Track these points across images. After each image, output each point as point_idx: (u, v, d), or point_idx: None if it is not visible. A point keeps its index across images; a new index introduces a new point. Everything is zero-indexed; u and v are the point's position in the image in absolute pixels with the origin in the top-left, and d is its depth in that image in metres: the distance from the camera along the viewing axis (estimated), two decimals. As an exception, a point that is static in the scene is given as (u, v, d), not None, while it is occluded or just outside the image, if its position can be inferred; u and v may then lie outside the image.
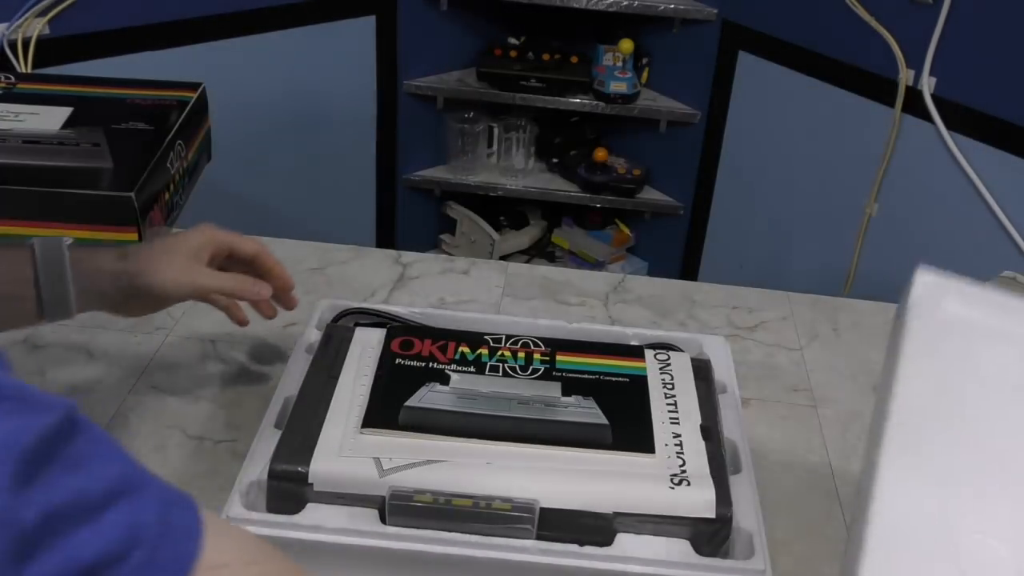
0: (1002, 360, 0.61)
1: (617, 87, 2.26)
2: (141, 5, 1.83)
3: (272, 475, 0.75)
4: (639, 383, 0.86)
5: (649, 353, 0.90)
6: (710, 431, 0.82)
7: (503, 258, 2.39)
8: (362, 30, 2.18)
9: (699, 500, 0.75)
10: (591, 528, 0.74)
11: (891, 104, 1.83)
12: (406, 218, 2.51)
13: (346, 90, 2.23)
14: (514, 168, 2.44)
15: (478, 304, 1.14)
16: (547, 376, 0.86)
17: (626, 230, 2.56)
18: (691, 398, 0.85)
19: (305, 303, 0.97)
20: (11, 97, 1.16)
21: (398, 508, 0.73)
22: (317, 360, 0.88)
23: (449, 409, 0.81)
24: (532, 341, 0.90)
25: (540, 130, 2.45)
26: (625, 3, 2.16)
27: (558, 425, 0.80)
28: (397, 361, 0.86)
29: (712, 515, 0.74)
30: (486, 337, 0.90)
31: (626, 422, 0.81)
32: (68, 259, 0.77)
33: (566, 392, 0.84)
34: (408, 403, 0.81)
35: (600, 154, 2.41)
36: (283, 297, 0.91)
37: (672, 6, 2.16)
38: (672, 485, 0.75)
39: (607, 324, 1.10)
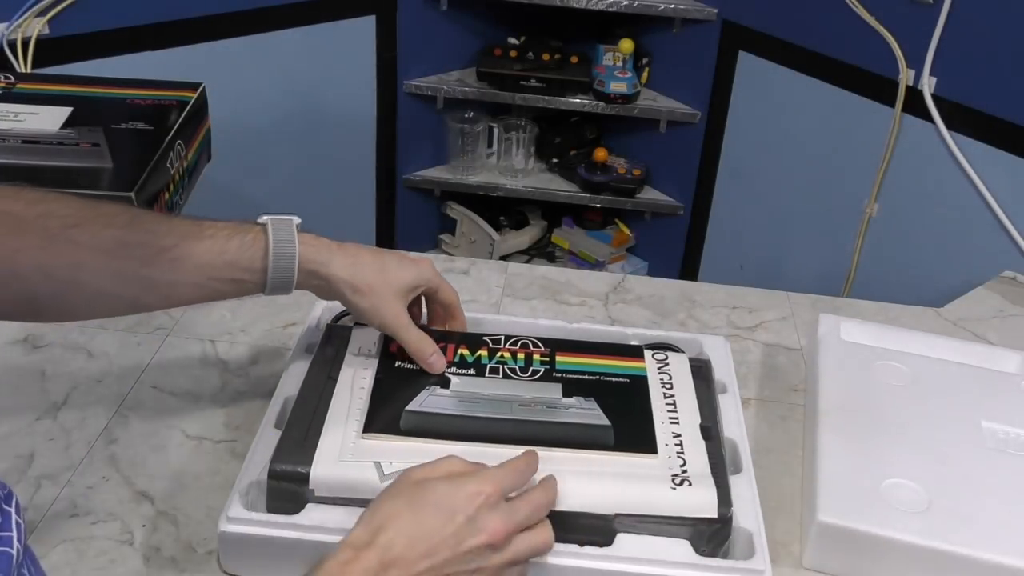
0: (885, 367, 0.97)
1: (617, 87, 2.26)
2: (141, 5, 1.83)
3: (272, 475, 0.75)
4: (639, 383, 0.86)
5: (648, 353, 0.90)
6: (710, 431, 0.82)
7: (503, 258, 2.39)
8: (362, 30, 2.18)
9: (700, 500, 0.74)
10: (591, 528, 0.74)
11: (891, 104, 1.83)
12: (406, 218, 2.51)
13: (346, 90, 2.23)
14: (514, 168, 2.44)
15: (478, 304, 1.14)
16: (547, 377, 0.86)
17: (626, 230, 2.56)
18: (691, 398, 0.85)
19: (305, 303, 0.97)
20: (11, 97, 1.16)
21: (398, 508, 0.73)
22: (317, 360, 0.87)
23: (451, 413, 0.81)
24: (531, 341, 0.90)
25: (540, 130, 2.45)
26: (625, 3, 2.16)
27: (560, 427, 0.80)
28: (397, 364, 0.86)
29: (713, 515, 0.74)
30: (485, 338, 0.90)
31: (627, 423, 0.81)
32: (297, 242, 0.79)
33: (567, 393, 0.84)
34: (409, 407, 0.81)
35: (600, 154, 2.41)
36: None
37: (672, 6, 2.16)
38: (674, 486, 0.75)
39: (607, 324, 1.10)
